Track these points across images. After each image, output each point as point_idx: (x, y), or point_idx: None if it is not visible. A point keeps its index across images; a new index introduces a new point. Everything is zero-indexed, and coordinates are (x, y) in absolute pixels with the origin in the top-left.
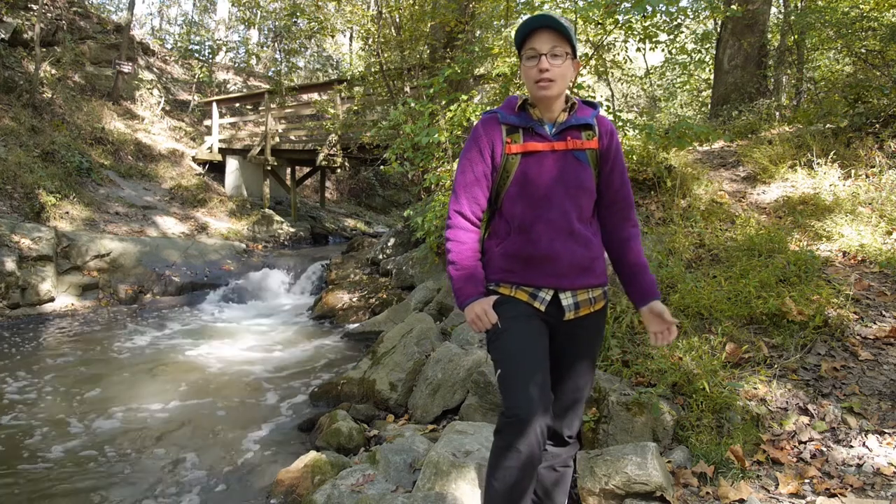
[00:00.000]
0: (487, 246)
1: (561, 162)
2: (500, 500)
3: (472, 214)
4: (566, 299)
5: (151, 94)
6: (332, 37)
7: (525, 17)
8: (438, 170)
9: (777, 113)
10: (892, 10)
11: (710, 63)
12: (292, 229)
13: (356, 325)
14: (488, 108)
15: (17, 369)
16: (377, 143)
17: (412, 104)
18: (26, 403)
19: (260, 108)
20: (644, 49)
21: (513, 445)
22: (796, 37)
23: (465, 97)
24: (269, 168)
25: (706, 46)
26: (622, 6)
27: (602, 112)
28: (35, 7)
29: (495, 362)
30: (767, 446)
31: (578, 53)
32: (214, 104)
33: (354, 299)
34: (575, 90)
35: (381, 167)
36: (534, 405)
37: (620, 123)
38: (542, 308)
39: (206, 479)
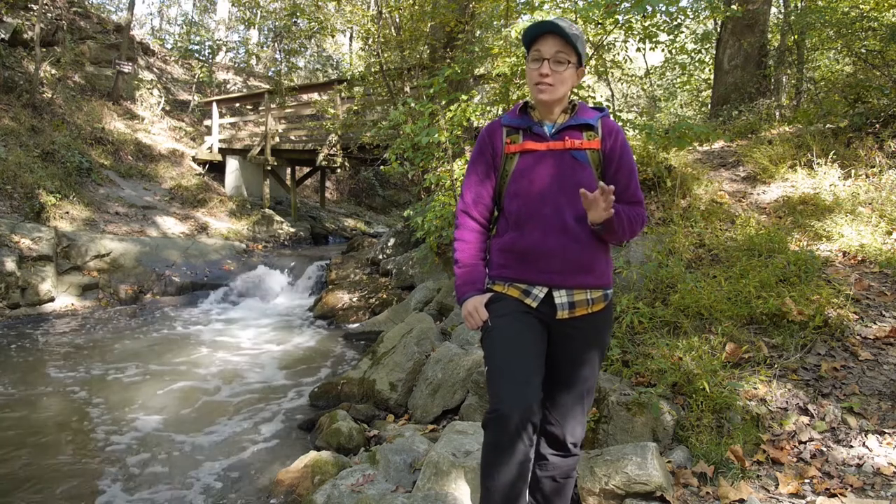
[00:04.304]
0: (491, 244)
1: (557, 161)
2: (493, 497)
3: (478, 213)
4: (560, 298)
5: (151, 94)
6: (332, 37)
7: (528, 19)
8: (438, 170)
9: (777, 113)
10: (892, 10)
11: (710, 63)
12: (292, 229)
13: (356, 325)
14: (488, 108)
15: (16, 369)
16: (377, 143)
17: (412, 104)
18: (25, 403)
19: (260, 108)
20: (644, 49)
21: (496, 440)
22: (796, 37)
23: (465, 97)
24: (269, 168)
25: (706, 46)
26: (622, 6)
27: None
28: (35, 7)
29: (484, 359)
30: (767, 446)
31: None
32: (214, 104)
33: (354, 299)
34: (575, 90)
35: (381, 167)
36: (514, 400)
37: (620, 123)
38: (534, 305)
39: (206, 478)
